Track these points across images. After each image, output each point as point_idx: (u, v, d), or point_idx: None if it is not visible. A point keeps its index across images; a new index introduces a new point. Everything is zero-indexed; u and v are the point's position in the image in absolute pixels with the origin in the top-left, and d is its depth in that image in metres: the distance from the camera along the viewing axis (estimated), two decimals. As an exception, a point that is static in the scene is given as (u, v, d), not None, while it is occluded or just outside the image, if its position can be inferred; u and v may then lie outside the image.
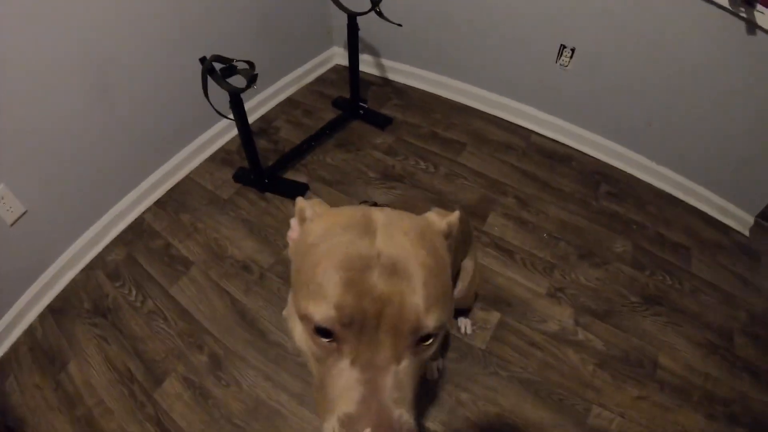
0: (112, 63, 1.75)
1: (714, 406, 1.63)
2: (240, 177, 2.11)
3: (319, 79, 2.89)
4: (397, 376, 0.52)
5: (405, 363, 0.53)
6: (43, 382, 1.62)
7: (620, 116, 2.29)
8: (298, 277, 0.58)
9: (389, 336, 0.51)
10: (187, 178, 2.18)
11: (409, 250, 0.55)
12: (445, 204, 2.12)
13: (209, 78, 1.67)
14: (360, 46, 2.66)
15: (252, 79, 1.66)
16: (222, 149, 2.30)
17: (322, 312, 0.51)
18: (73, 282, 1.88)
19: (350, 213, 0.61)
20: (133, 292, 1.81)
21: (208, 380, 1.60)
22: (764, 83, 1.89)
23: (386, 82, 2.87)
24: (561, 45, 2.21)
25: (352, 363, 0.52)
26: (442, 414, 1.51)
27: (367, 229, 0.56)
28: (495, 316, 1.79)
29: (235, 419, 1.53)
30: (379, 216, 0.60)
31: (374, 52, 2.81)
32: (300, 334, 0.58)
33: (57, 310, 1.80)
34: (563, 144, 2.49)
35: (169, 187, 2.14)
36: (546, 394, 1.61)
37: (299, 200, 0.67)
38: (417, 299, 0.52)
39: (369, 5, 2.04)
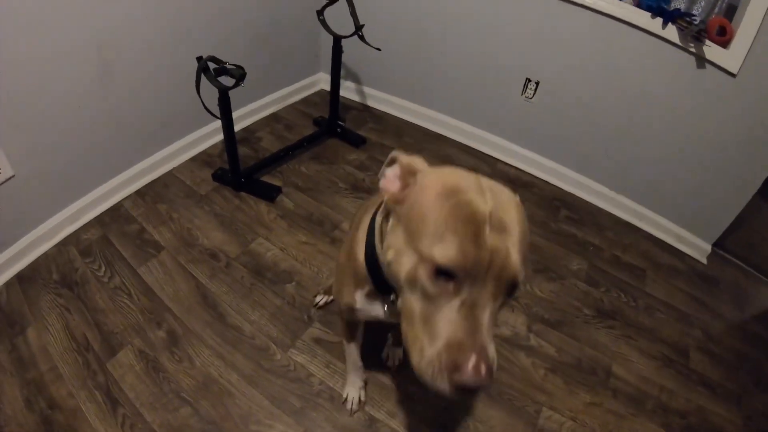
0: (116, 48, 1.79)
1: (670, 417, 1.62)
2: (218, 177, 2.14)
3: (304, 101, 2.97)
4: (493, 317, 0.60)
5: (497, 307, 0.61)
6: None
7: (580, 146, 2.37)
8: (418, 225, 0.63)
9: (493, 283, 0.58)
10: (169, 174, 2.20)
11: (511, 213, 0.63)
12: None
13: (203, 76, 1.73)
14: (343, 72, 2.77)
15: (240, 78, 1.73)
16: (205, 152, 2.33)
17: (450, 256, 0.56)
18: (46, 255, 1.84)
19: (464, 174, 0.68)
20: (102, 268, 1.78)
21: (163, 355, 1.57)
22: (714, 114, 1.97)
23: (365, 107, 2.97)
24: (526, 78, 2.32)
25: (463, 302, 0.58)
26: (389, 404, 1.51)
27: (480, 191, 0.63)
28: None
29: (183, 394, 1.49)
30: (484, 180, 0.67)
31: (356, 79, 2.93)
32: (409, 272, 0.62)
33: (25, 278, 1.76)
34: (526, 172, 2.58)
35: (150, 180, 2.15)
36: (496, 393, 1.60)
37: (401, 154, 0.73)
38: (516, 255, 0.59)
39: (353, 30, 2.16)
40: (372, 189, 2.29)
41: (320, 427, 1.42)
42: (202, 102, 1.76)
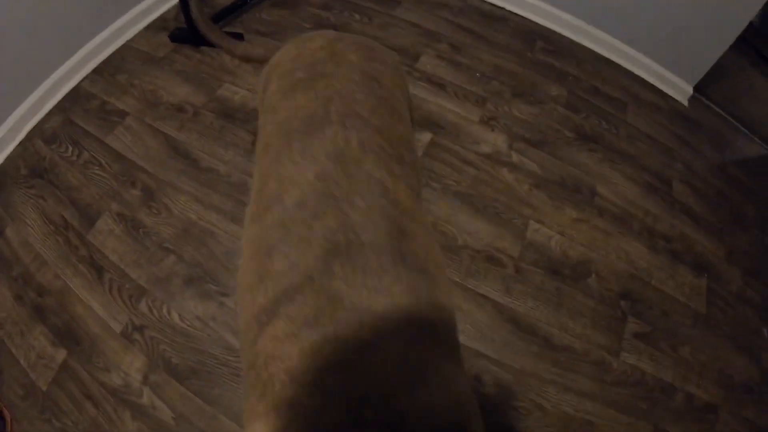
0: None
1: (656, 240, 1.54)
2: (176, 36, 1.87)
3: None
4: None
5: None
6: None
7: None
8: None
9: None
10: (125, 46, 1.95)
11: None
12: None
13: None
14: None
15: None
16: (160, 17, 2.05)
17: None
18: (11, 156, 1.66)
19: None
20: (69, 149, 1.61)
21: (140, 212, 1.42)
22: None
23: None
24: None
25: None
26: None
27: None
28: (426, 136, 1.63)
29: (166, 244, 1.36)
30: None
31: None
32: None
33: None
34: (500, 7, 2.26)
35: (106, 56, 1.91)
36: (482, 206, 1.48)
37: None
38: None
39: None
40: (338, 27, 2.03)
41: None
42: None
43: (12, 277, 1.37)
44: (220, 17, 1.95)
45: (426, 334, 0.50)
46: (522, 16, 2.22)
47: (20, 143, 1.70)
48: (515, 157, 1.63)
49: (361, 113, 0.67)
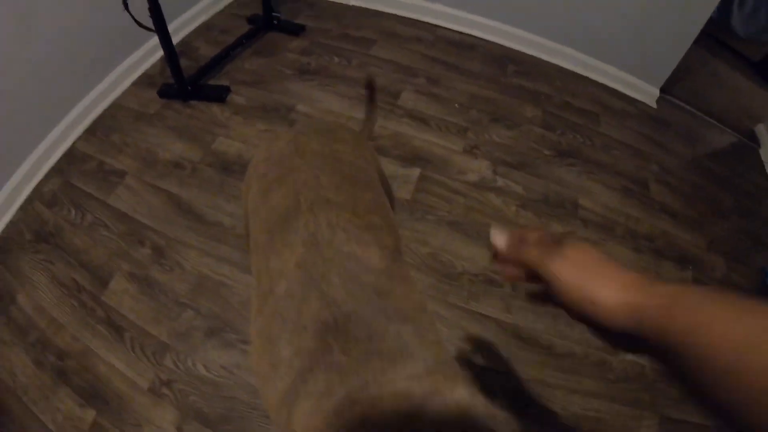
0: None
1: (639, 241, 1.65)
2: (164, 92, 1.93)
3: (235, 2, 2.68)
4: None
5: None
6: None
7: (519, 2, 2.21)
8: None
9: None
10: (114, 104, 2.00)
11: None
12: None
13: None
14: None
15: None
16: (145, 74, 2.11)
17: None
18: (12, 222, 1.69)
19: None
20: (72, 212, 1.65)
21: (153, 270, 1.47)
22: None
23: None
24: None
25: None
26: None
27: None
28: (415, 172, 1.74)
29: (182, 299, 1.41)
30: None
31: None
32: None
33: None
34: (468, 35, 2.41)
35: (97, 115, 1.95)
36: (474, 232, 1.58)
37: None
38: None
39: None
40: (319, 71, 2.14)
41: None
42: (133, 17, 1.55)
43: (29, 343, 1.40)
44: (206, 70, 2.01)
45: (420, 369, 0.58)
46: (490, 41, 2.36)
47: (20, 207, 1.73)
48: (500, 182, 1.75)
49: (327, 196, 0.73)
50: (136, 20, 1.59)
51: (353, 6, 2.59)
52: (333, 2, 2.64)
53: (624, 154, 1.93)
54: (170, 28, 2.17)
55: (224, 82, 2.01)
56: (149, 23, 1.67)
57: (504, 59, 2.27)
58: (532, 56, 2.31)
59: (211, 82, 2.01)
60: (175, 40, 2.28)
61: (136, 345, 1.37)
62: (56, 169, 1.82)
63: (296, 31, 2.31)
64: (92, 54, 1.89)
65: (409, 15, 2.50)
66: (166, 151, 1.77)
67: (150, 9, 1.60)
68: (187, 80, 1.91)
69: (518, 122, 1.97)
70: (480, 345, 1.40)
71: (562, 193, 1.75)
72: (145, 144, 1.81)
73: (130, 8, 1.56)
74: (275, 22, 2.27)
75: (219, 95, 1.91)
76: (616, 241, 1.64)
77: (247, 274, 1.45)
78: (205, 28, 2.42)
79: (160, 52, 2.19)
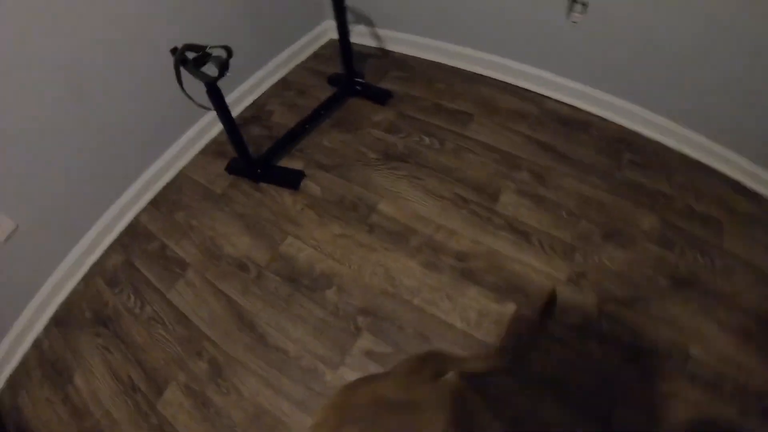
0: (81, 65, 1.52)
1: (748, 399, 1.34)
2: (233, 168, 1.88)
3: (313, 57, 2.56)
4: None
5: None
6: (53, 395, 1.54)
7: (640, 76, 1.88)
8: None
9: None
10: (180, 174, 1.98)
11: None
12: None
13: (183, 69, 1.43)
14: (352, 16, 2.35)
15: (224, 67, 1.40)
16: (214, 141, 2.07)
17: None
18: (74, 292, 1.75)
19: None
20: (132, 299, 1.66)
21: (209, 388, 1.45)
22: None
23: (385, 53, 2.50)
24: None
25: None
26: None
27: None
28: (510, 309, 1.50)
29: (237, 428, 1.38)
30: None
31: (368, 21, 2.44)
32: None
33: (61, 321, 1.69)
34: (580, 109, 2.10)
35: (162, 186, 1.95)
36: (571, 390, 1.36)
37: None
38: None
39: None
40: (408, 155, 1.94)
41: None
42: (190, 98, 1.48)
43: (85, 429, 1.42)
44: (280, 146, 1.89)
45: None
46: (605, 119, 2.08)
47: (83, 278, 1.77)
48: (605, 326, 1.49)
49: None
50: (193, 100, 1.51)
51: (447, 66, 2.36)
52: (424, 60, 2.42)
53: (748, 279, 1.61)
54: (243, 87, 2.08)
55: (299, 162, 1.92)
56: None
57: (619, 144, 1.99)
58: (651, 140, 2.01)
59: (286, 159, 1.93)
60: (248, 101, 2.20)
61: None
62: (119, 243, 1.85)
63: (382, 99, 2.15)
64: (158, 121, 1.87)
65: (512, 81, 2.24)
66: (231, 246, 1.71)
67: (207, 92, 1.53)
68: (257, 159, 1.82)
69: (633, 238, 1.69)
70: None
71: (674, 339, 1.47)
72: (210, 231, 1.77)
73: (190, 83, 1.47)
74: (358, 87, 2.09)
75: (292, 181, 1.83)
76: (723, 400, 1.36)
77: (307, 416, 1.37)
78: (282, 86, 2.33)
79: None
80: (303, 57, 2.51)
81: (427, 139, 1.99)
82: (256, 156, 1.89)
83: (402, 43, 2.42)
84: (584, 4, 1.78)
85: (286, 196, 1.83)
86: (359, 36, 2.50)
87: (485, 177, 1.85)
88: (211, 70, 1.43)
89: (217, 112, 1.59)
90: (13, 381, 1.60)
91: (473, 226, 1.70)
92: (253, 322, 1.54)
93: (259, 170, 1.84)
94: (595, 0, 1.76)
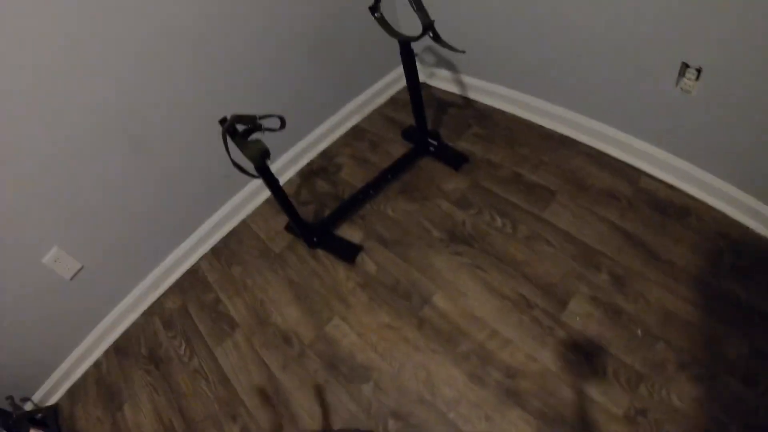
0: (140, 119, 1.58)
1: None
2: (292, 228, 1.89)
3: (391, 101, 2.44)
4: None
5: None
6: (104, 416, 1.72)
7: (759, 158, 1.53)
8: None
9: None
10: (242, 224, 2.05)
11: None
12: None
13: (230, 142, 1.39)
14: (435, 59, 2.24)
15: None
16: None
17: None
18: (134, 324, 1.91)
19: None
20: (183, 346, 1.79)
21: None
22: None
23: (467, 102, 2.32)
24: (683, 63, 1.50)
25: None
26: None
27: None
28: None
29: None
30: None
31: (452, 66, 2.27)
32: None
33: (120, 349, 1.86)
34: (680, 191, 1.77)
35: (224, 234, 2.03)
36: None
37: None
38: None
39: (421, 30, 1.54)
40: (474, 237, 1.79)
41: None
42: (239, 168, 1.44)
43: None
44: (342, 210, 1.85)
45: None
46: (709, 205, 1.72)
47: (144, 312, 1.92)
48: None
49: None
50: (243, 170, 1.45)
51: (534, 124, 2.12)
52: (510, 115, 2.19)
53: None
54: (315, 133, 2.05)
55: (358, 231, 1.91)
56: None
57: (721, 241, 1.63)
58: (759, 235, 1.62)
59: (346, 224, 1.93)
60: (322, 147, 2.20)
61: None
62: (179, 286, 1.98)
63: (457, 163, 2.00)
64: (217, 172, 1.88)
65: (604, 149, 1.94)
66: (279, 315, 1.77)
67: (255, 168, 1.49)
68: (316, 228, 1.81)
69: (713, 372, 1.37)
70: None
71: None
72: (261, 294, 1.83)
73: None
74: (431, 149, 1.95)
75: (348, 254, 1.80)
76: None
77: None
78: (354, 135, 2.29)
79: (293, 171, 2.18)
80: (379, 102, 2.41)
81: (499, 220, 1.80)
82: (315, 220, 1.91)
83: (487, 93, 2.23)
84: (698, 70, 1.50)
85: (340, 270, 1.82)
86: (442, 81, 2.38)
87: (557, 276, 1.63)
88: (269, 136, 1.38)
89: (268, 187, 1.57)
90: (73, 393, 1.81)
91: (532, 337, 1.52)
92: (287, 400, 1.57)
93: (315, 238, 1.85)
94: (712, 66, 1.46)
